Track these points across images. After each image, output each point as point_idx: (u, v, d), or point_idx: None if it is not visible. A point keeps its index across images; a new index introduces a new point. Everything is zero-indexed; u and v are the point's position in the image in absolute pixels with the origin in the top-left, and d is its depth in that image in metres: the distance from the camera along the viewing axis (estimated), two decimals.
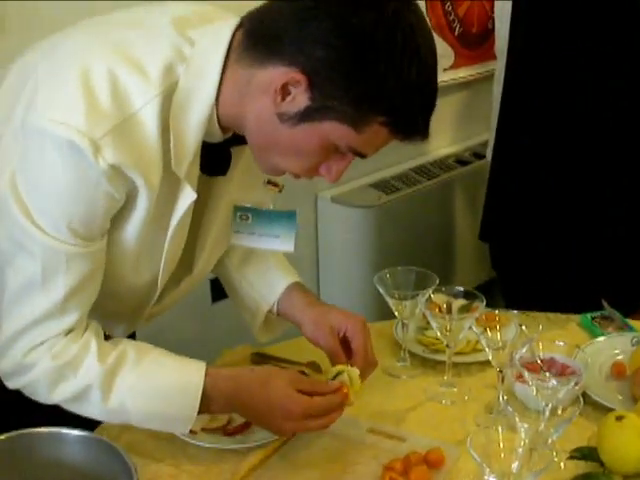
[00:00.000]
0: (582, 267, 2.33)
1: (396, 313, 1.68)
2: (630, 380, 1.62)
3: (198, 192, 1.39)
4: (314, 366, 1.69)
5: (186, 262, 1.54)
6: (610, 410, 1.48)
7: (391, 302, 1.67)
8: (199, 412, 1.39)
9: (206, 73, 1.30)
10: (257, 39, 1.28)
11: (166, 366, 1.40)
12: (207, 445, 1.47)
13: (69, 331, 1.35)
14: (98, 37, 1.34)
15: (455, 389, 1.66)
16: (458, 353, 1.72)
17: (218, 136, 1.37)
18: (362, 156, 1.34)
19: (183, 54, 1.30)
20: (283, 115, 1.27)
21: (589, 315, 1.90)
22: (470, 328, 1.58)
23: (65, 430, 1.23)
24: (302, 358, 1.72)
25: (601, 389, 1.61)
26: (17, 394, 1.41)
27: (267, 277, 1.67)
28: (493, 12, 3.22)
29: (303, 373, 1.65)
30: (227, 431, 1.51)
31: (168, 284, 1.54)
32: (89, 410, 1.38)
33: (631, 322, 1.89)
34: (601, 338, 1.80)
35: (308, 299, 1.65)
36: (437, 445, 1.45)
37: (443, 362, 1.68)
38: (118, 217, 1.34)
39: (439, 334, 1.62)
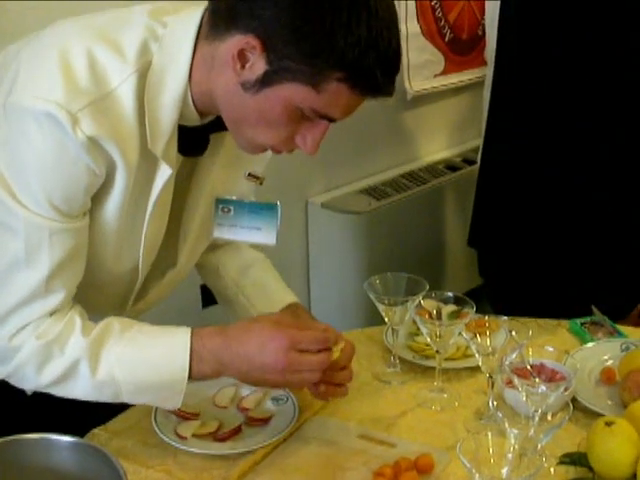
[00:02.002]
0: (570, 274, 2.33)
1: (386, 319, 1.68)
2: (620, 386, 1.62)
3: (179, 181, 1.42)
4: None
5: (170, 254, 1.55)
6: (600, 416, 1.48)
7: (381, 308, 1.67)
8: (190, 376, 1.39)
9: (178, 52, 1.34)
10: (218, 14, 1.32)
11: (151, 334, 1.41)
12: (197, 451, 1.47)
13: (53, 312, 1.37)
14: (77, 23, 1.39)
15: (445, 395, 1.66)
16: (448, 359, 1.72)
17: (194, 118, 1.39)
18: (331, 120, 1.34)
19: (156, 34, 1.34)
20: (245, 83, 1.30)
21: (579, 321, 1.90)
22: (460, 334, 1.58)
23: (55, 436, 1.23)
24: None
25: (591, 395, 1.62)
26: (4, 400, 1.41)
27: (267, 293, 1.69)
28: (484, 18, 3.23)
29: None
30: (217, 437, 1.51)
31: (152, 277, 1.55)
32: (79, 388, 1.39)
33: (620, 328, 1.89)
34: (590, 344, 1.81)
35: (309, 316, 1.67)
36: (427, 451, 1.46)
37: (433, 368, 1.68)
38: (98, 196, 1.36)
39: (429, 340, 1.63)
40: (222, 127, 1.40)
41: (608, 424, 1.39)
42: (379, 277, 1.70)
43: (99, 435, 1.53)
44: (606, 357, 1.75)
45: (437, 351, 1.63)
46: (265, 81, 1.28)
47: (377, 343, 1.84)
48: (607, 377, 1.68)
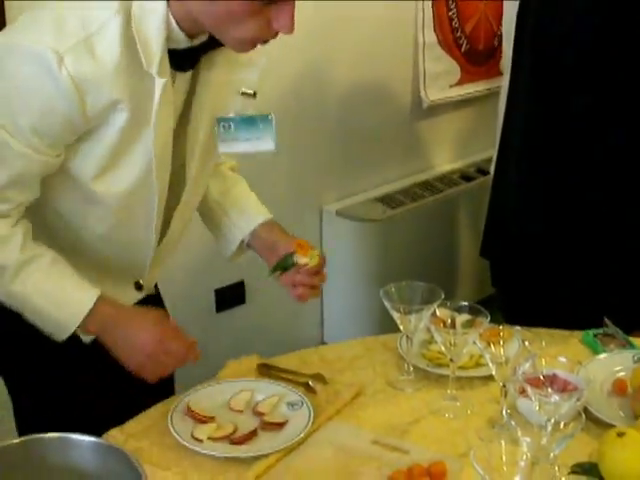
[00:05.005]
0: (582, 285, 2.34)
1: (401, 327, 1.70)
2: (631, 397, 1.63)
3: (180, 105, 1.57)
4: (319, 377, 1.71)
5: (180, 176, 1.65)
6: (611, 426, 1.49)
7: (396, 316, 1.68)
8: (78, 325, 1.56)
9: None
10: None
11: (70, 278, 1.59)
12: (213, 454, 1.49)
13: (3, 216, 1.53)
14: None
15: (458, 403, 1.67)
16: (461, 367, 1.73)
17: (182, 39, 1.48)
18: None
19: None
20: None
21: (591, 332, 1.91)
22: (474, 343, 1.60)
23: (76, 436, 1.25)
24: (307, 370, 1.74)
25: (602, 405, 1.63)
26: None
27: (245, 211, 1.84)
28: (499, 29, 3.25)
29: (308, 385, 1.67)
30: (233, 440, 1.53)
31: (170, 205, 1.66)
32: None
33: (632, 339, 1.90)
34: (603, 355, 1.82)
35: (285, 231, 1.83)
36: (440, 458, 1.47)
37: (446, 376, 1.70)
38: (96, 129, 1.47)
39: (443, 348, 1.64)
40: (212, 47, 1.52)
41: (619, 435, 1.40)
42: (395, 285, 1.71)
43: (115, 436, 1.55)
44: (618, 368, 1.76)
45: (451, 359, 1.65)
46: None
47: (391, 350, 1.85)
48: (619, 388, 1.69)
